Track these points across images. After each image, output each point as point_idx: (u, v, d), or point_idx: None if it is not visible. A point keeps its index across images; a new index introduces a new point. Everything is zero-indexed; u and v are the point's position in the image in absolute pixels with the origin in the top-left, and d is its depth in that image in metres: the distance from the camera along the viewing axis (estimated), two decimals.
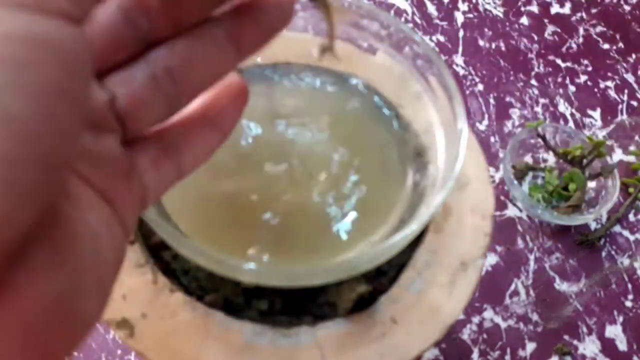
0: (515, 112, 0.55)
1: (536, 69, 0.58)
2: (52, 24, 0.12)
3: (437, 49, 0.58)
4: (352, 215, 0.30)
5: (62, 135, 0.12)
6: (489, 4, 0.62)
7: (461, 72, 0.57)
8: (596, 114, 0.56)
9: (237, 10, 0.18)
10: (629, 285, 0.47)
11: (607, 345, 0.45)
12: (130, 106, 0.17)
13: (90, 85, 0.14)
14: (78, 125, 0.13)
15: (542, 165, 0.52)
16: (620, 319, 0.46)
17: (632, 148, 0.54)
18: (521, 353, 0.44)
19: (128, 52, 0.18)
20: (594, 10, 0.62)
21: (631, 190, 0.52)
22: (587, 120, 0.55)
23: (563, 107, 0.56)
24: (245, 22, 0.18)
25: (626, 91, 0.57)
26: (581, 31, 0.61)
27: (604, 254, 0.49)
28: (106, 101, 0.17)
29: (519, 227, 0.49)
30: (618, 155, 0.54)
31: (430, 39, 0.59)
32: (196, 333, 0.28)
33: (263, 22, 0.18)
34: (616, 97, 0.57)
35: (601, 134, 0.55)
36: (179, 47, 0.18)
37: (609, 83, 0.58)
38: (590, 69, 0.58)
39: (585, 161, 0.50)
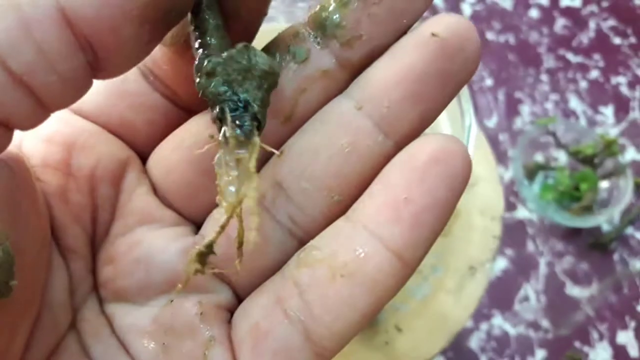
0: (525, 109, 0.54)
1: (546, 64, 0.57)
2: None
3: None
4: None
5: None
6: None
7: None
8: (608, 110, 0.54)
9: None
10: None
11: (619, 352, 0.44)
12: (228, 251, 0.14)
13: None
14: None
15: (553, 164, 0.51)
16: (633, 324, 0.45)
17: None
18: None
19: None
20: (605, 4, 0.61)
21: None
22: (598, 118, 0.54)
23: (574, 103, 0.55)
24: None
25: (638, 87, 0.56)
26: (592, 25, 0.59)
27: (616, 257, 0.48)
28: (183, 251, 0.14)
29: (529, 230, 0.48)
30: (631, 154, 0.52)
31: None
32: None
33: None
34: (628, 93, 0.55)
35: (613, 132, 0.53)
36: (289, 150, 0.14)
37: (621, 79, 0.56)
38: (601, 64, 0.57)
39: (597, 160, 0.49)
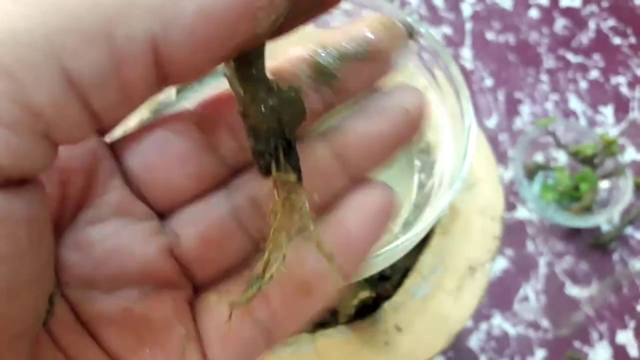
0: (524, 109, 0.54)
1: (546, 64, 0.57)
2: None
3: (443, 42, 0.56)
4: None
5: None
6: None
7: (468, 66, 0.56)
8: (608, 110, 0.54)
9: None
10: None
11: (619, 352, 0.44)
12: (199, 250, 0.15)
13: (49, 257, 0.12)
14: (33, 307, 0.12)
15: (553, 164, 0.51)
16: (632, 324, 0.45)
17: None
18: None
19: (207, 182, 0.15)
20: (605, 4, 0.61)
21: None
22: (598, 118, 0.54)
23: (574, 103, 0.55)
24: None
25: (638, 87, 0.56)
26: (592, 25, 0.59)
27: (615, 257, 0.47)
28: (161, 249, 0.15)
29: (529, 230, 0.48)
30: (630, 154, 0.52)
31: (436, 32, 0.58)
32: None
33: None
34: (628, 93, 0.55)
35: (613, 132, 0.53)
36: None
37: (621, 79, 0.56)
38: (601, 64, 0.57)
39: (596, 160, 0.49)
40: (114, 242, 0.14)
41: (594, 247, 0.48)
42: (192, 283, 0.16)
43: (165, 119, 0.15)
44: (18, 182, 0.11)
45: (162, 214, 0.15)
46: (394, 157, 0.16)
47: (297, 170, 0.14)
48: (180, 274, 0.15)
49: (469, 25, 0.59)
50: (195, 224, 0.15)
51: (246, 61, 0.13)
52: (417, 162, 0.32)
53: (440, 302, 0.30)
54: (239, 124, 0.15)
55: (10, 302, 0.11)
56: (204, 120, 0.15)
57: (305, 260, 0.15)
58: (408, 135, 0.16)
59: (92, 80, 0.10)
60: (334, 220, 0.15)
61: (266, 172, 0.14)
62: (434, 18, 0.59)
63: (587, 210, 0.48)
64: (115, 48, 0.10)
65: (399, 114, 0.16)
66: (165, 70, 0.11)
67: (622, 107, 0.55)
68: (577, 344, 0.44)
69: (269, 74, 0.15)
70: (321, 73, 0.15)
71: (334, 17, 0.29)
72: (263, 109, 0.14)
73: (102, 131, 0.15)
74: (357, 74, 0.16)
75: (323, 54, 0.15)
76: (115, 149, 0.15)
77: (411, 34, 0.16)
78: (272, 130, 0.14)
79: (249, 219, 0.15)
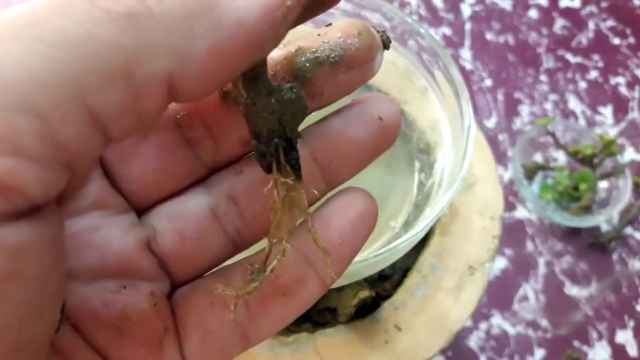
0: (524, 109, 0.54)
1: (545, 64, 0.57)
2: (11, 231, 0.11)
3: (442, 43, 0.56)
4: None
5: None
6: None
7: (468, 66, 0.56)
8: (607, 110, 0.54)
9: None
10: None
11: (618, 351, 0.43)
12: (176, 245, 0.15)
13: (60, 285, 0.13)
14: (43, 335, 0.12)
15: (552, 164, 0.51)
16: (631, 323, 0.45)
17: None
18: None
19: (185, 178, 0.16)
20: (604, 5, 0.61)
21: None
22: (597, 118, 0.54)
23: (573, 103, 0.55)
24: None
25: (637, 88, 0.56)
26: (591, 26, 0.59)
27: (615, 257, 0.47)
28: (139, 242, 0.15)
29: (528, 229, 0.48)
30: (629, 154, 0.52)
31: (436, 32, 0.58)
32: None
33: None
34: (627, 93, 0.55)
35: (612, 132, 0.53)
36: (248, 169, 0.16)
37: (620, 79, 0.56)
38: (600, 64, 0.57)
39: (596, 160, 0.49)
40: (93, 233, 0.15)
41: (594, 247, 0.48)
42: (169, 279, 0.16)
43: None
44: (41, 207, 0.11)
45: (140, 209, 0.16)
46: (370, 161, 0.17)
47: (297, 168, 0.15)
48: (158, 268, 0.15)
49: (468, 26, 0.59)
50: (173, 220, 0.15)
51: (249, 69, 0.14)
52: (417, 162, 0.32)
53: (440, 302, 0.30)
54: (216, 121, 0.15)
55: (37, 320, 0.11)
56: (182, 117, 0.15)
57: (285, 264, 0.15)
58: (383, 144, 0.16)
59: (112, 114, 0.11)
60: (317, 226, 0.15)
61: (267, 170, 0.14)
62: (434, 18, 0.59)
63: (587, 210, 0.48)
64: (135, 85, 0.11)
65: (373, 123, 0.16)
66: (177, 97, 0.12)
67: (621, 107, 0.55)
68: (576, 343, 0.44)
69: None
70: (297, 76, 0.16)
71: (334, 17, 0.29)
72: (264, 112, 0.14)
73: None
74: (332, 79, 0.16)
75: (299, 58, 0.16)
76: None
77: (385, 44, 0.16)
78: (273, 131, 0.14)
79: (226, 216, 0.16)
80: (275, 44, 0.12)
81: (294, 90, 0.14)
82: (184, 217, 0.15)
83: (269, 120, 0.14)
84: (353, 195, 0.16)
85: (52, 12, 0.10)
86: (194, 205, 0.16)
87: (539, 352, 0.43)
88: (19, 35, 0.10)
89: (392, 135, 0.16)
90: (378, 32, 0.16)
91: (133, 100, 0.11)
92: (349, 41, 0.15)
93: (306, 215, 0.15)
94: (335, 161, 0.16)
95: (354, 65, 0.16)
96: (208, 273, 0.16)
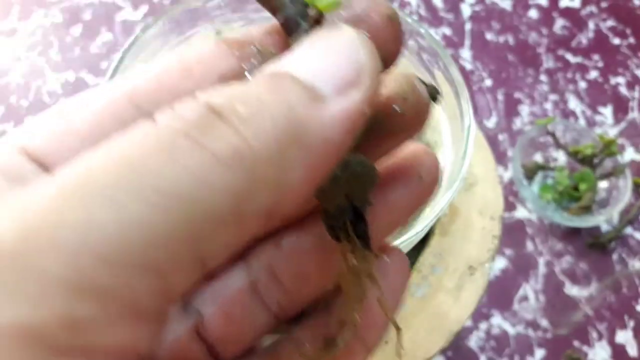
0: (524, 109, 0.54)
1: (545, 64, 0.57)
2: None
3: (442, 43, 0.56)
4: None
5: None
6: None
7: (468, 66, 0.56)
8: (607, 110, 0.54)
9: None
10: None
11: (618, 351, 0.44)
12: (223, 328, 0.15)
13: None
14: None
15: (552, 164, 0.51)
16: (631, 323, 0.45)
17: None
18: None
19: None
20: (604, 5, 0.61)
21: None
22: (597, 118, 0.54)
23: (573, 103, 0.55)
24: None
25: (637, 88, 0.56)
26: (591, 26, 0.59)
27: (615, 257, 0.47)
28: (189, 331, 0.15)
29: (528, 230, 0.48)
30: (629, 154, 0.52)
31: (436, 32, 0.58)
32: None
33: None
34: (627, 93, 0.55)
35: (612, 132, 0.53)
36: (287, 241, 0.15)
37: (620, 79, 0.56)
38: (600, 64, 0.57)
39: (596, 160, 0.49)
40: None
41: (593, 247, 0.48)
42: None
43: None
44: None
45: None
46: (409, 216, 0.16)
47: (366, 239, 0.14)
48: (207, 353, 0.15)
49: (468, 26, 0.59)
50: (217, 302, 0.15)
51: None
52: None
53: (440, 302, 0.30)
54: None
55: None
56: None
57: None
58: (421, 203, 0.16)
59: (219, 255, 0.11)
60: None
61: (336, 240, 0.14)
62: (434, 18, 0.59)
63: (587, 210, 0.48)
64: (243, 224, 0.11)
65: (413, 181, 0.16)
66: (273, 222, 0.12)
67: (621, 107, 0.55)
68: (576, 343, 0.44)
69: None
70: None
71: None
72: (333, 191, 0.14)
73: None
74: (376, 147, 0.15)
75: None
76: None
77: (434, 97, 0.15)
78: (342, 206, 0.14)
79: (267, 290, 0.15)
80: (352, 143, 0.12)
81: (364, 163, 0.14)
82: (228, 298, 0.15)
83: (338, 196, 0.14)
84: (392, 255, 0.16)
85: (161, 156, 0.10)
86: (235, 283, 0.15)
87: (539, 352, 0.43)
88: (132, 184, 0.10)
89: (430, 193, 0.16)
90: (426, 85, 0.15)
91: (241, 238, 0.11)
92: (398, 95, 0.15)
93: (377, 286, 0.14)
94: (380, 226, 0.15)
95: (400, 136, 0.15)
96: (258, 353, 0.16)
